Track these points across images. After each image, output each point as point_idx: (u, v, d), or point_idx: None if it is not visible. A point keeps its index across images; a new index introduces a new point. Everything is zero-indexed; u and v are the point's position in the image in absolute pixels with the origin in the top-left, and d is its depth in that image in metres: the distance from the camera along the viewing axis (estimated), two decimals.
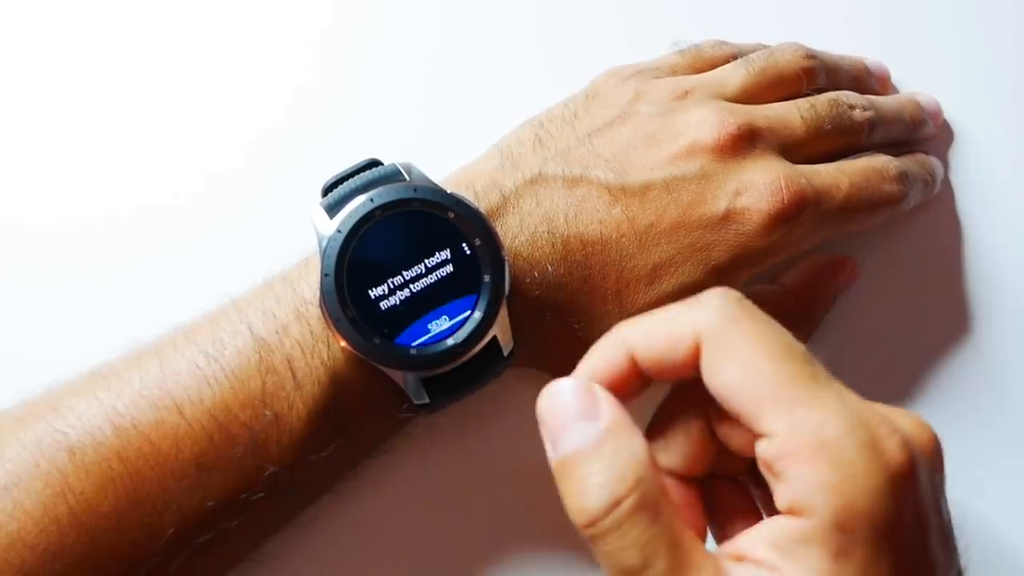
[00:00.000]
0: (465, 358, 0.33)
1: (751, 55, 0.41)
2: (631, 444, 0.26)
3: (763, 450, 0.26)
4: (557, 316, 0.36)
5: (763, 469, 0.26)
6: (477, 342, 0.33)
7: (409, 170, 0.34)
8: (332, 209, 0.33)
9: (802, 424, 0.25)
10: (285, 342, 0.33)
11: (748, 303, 0.28)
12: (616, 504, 0.25)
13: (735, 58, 0.41)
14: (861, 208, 0.37)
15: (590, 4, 0.46)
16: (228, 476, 0.31)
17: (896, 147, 0.42)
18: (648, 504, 0.25)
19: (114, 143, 0.43)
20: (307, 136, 0.43)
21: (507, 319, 0.34)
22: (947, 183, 0.43)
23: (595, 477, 0.26)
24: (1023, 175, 0.43)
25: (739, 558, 0.26)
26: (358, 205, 0.33)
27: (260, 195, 0.42)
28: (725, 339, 0.27)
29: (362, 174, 0.34)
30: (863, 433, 0.25)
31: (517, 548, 0.38)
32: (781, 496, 0.25)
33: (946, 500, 0.28)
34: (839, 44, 0.44)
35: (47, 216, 0.41)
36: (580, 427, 0.27)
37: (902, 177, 0.39)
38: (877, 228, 0.40)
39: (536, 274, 0.35)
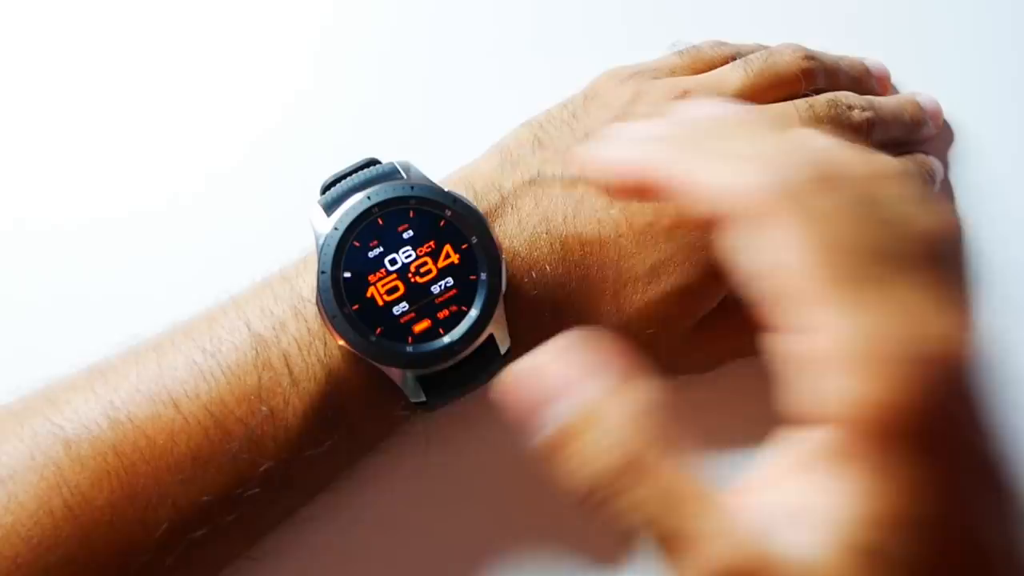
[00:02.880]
0: (462, 356, 0.33)
1: (750, 56, 0.41)
2: (635, 398, 0.24)
3: (791, 344, 0.23)
4: (555, 315, 0.36)
5: (779, 363, 0.24)
6: (473, 339, 0.33)
7: (407, 169, 0.34)
8: (330, 207, 0.33)
9: (848, 328, 0.22)
10: (282, 339, 0.33)
11: (835, 182, 0.25)
12: (628, 464, 0.23)
13: (734, 59, 0.41)
14: None
15: (590, 4, 0.46)
16: (223, 471, 0.32)
17: (896, 147, 0.42)
18: (655, 459, 0.23)
19: (114, 143, 0.43)
20: (307, 136, 0.43)
21: (504, 317, 0.34)
22: (947, 183, 0.43)
23: (604, 439, 0.23)
24: (1023, 175, 0.43)
25: (762, 487, 0.24)
26: (355, 203, 0.33)
27: (260, 195, 0.42)
28: (790, 213, 0.24)
29: (360, 172, 0.34)
30: (915, 345, 0.22)
31: (516, 548, 0.37)
32: (803, 399, 0.23)
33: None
34: (839, 44, 0.44)
35: (47, 216, 0.41)
36: (583, 387, 0.24)
37: None
38: None
39: (534, 274, 0.35)
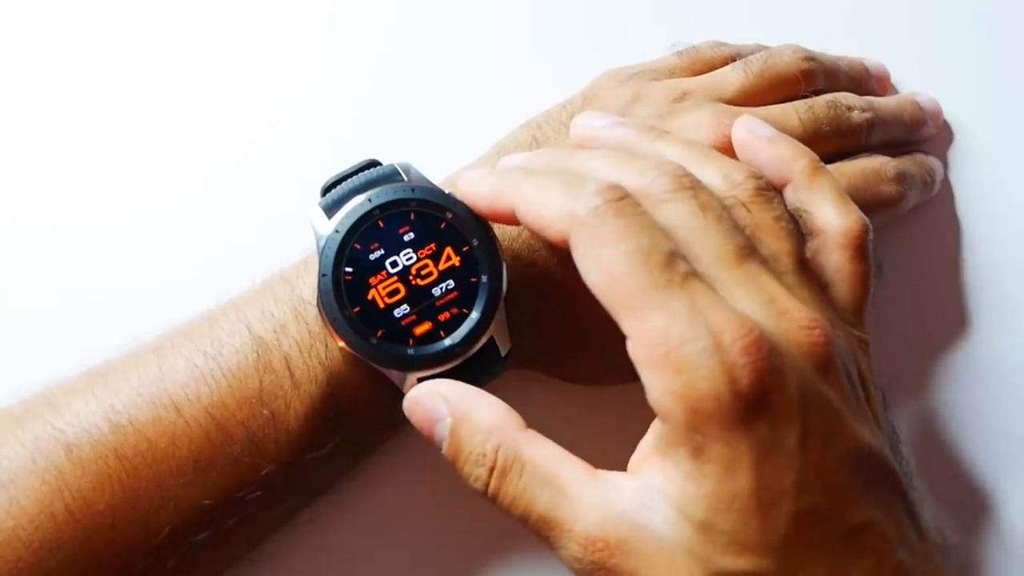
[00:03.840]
0: (462, 358, 0.33)
1: (750, 57, 0.41)
2: (477, 420, 0.29)
3: (628, 351, 0.27)
4: (556, 317, 0.36)
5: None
6: (474, 342, 0.33)
7: (408, 170, 0.34)
8: (330, 209, 0.33)
9: (650, 331, 0.26)
10: (283, 341, 0.33)
11: (624, 203, 0.28)
12: (488, 477, 0.28)
13: (734, 59, 0.41)
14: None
15: (590, 4, 0.46)
16: (225, 474, 0.32)
17: (896, 148, 0.42)
18: (508, 464, 0.28)
19: (114, 143, 0.43)
20: (307, 136, 0.43)
21: (505, 320, 0.34)
22: (947, 183, 0.43)
23: (466, 466, 0.29)
24: (1023, 175, 0.43)
25: (635, 469, 0.28)
26: (356, 205, 0.33)
27: (260, 195, 0.42)
28: (588, 237, 0.28)
29: (361, 174, 0.34)
30: (706, 339, 0.25)
31: (515, 548, 0.38)
32: (648, 399, 0.27)
33: (851, 390, 0.28)
34: (839, 45, 0.44)
35: (47, 216, 0.41)
36: (437, 431, 0.30)
37: (900, 178, 0.39)
38: (877, 228, 0.40)
39: (534, 275, 0.35)
